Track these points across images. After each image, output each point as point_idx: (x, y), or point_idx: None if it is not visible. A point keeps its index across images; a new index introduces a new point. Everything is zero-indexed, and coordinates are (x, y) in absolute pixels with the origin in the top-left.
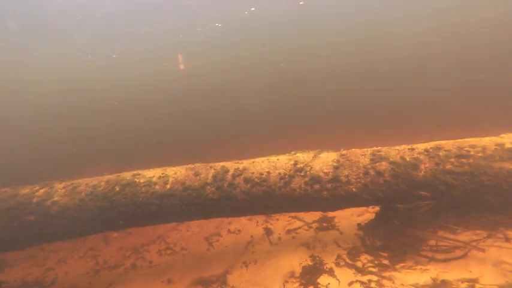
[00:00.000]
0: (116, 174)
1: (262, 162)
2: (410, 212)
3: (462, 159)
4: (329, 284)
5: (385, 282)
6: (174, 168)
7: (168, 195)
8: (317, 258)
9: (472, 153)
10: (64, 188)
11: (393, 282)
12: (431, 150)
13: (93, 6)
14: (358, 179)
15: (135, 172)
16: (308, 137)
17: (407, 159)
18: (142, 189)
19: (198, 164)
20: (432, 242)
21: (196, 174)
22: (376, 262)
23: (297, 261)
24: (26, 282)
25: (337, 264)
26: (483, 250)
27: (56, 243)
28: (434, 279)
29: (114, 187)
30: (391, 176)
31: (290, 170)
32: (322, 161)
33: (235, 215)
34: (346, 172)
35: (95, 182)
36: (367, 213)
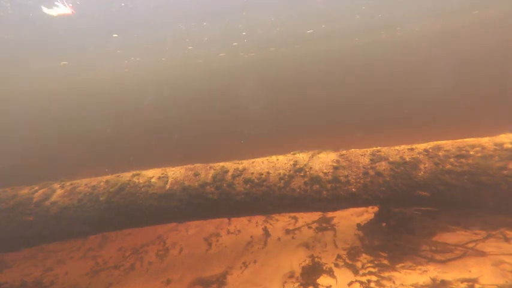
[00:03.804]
0: (116, 175)
1: (262, 162)
2: (409, 213)
3: (461, 159)
4: (329, 284)
5: (384, 282)
6: (173, 169)
7: (167, 195)
8: (316, 259)
9: (471, 153)
10: (63, 188)
11: (393, 282)
12: (430, 150)
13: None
14: (358, 179)
15: (134, 172)
16: (308, 137)
17: (407, 159)
18: (142, 189)
19: (197, 164)
20: (434, 241)
21: (196, 175)
22: (375, 262)
23: (296, 261)
24: (26, 282)
25: (337, 265)
26: (482, 253)
27: (55, 244)
28: (433, 279)
29: (114, 187)
30: (391, 176)
31: (290, 171)
32: (322, 161)
33: (234, 215)
34: (345, 172)
35: (94, 183)
36: (366, 214)
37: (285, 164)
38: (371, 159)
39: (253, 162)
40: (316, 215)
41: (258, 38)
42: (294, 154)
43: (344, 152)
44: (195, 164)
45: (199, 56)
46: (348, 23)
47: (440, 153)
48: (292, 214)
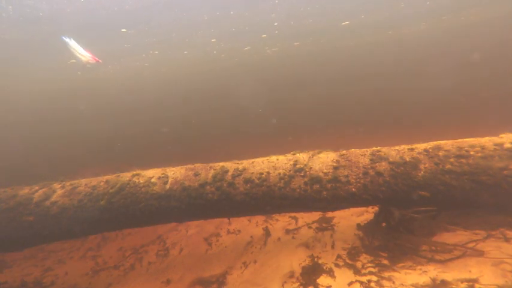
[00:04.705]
0: (116, 175)
1: (262, 162)
2: (409, 213)
3: (461, 159)
4: (329, 284)
5: (384, 282)
6: (173, 169)
7: (167, 195)
8: (316, 259)
9: (471, 153)
10: (63, 188)
11: (393, 283)
12: (430, 150)
13: None
14: (358, 179)
15: (134, 172)
16: (308, 137)
17: (407, 159)
18: (142, 189)
19: (197, 164)
20: (433, 242)
21: (196, 175)
22: (375, 262)
23: (296, 261)
24: (26, 282)
25: (337, 265)
26: (482, 253)
27: (55, 244)
28: (433, 279)
29: (114, 187)
30: (391, 176)
31: (290, 171)
32: (322, 161)
33: (234, 215)
34: (345, 172)
35: (94, 183)
36: (366, 214)
37: (285, 164)
38: (371, 159)
39: (253, 162)
40: (316, 215)
41: (289, 30)
42: (294, 154)
43: (344, 152)
44: (195, 164)
45: (222, 50)
46: (390, 12)
47: (440, 153)
48: (292, 214)
